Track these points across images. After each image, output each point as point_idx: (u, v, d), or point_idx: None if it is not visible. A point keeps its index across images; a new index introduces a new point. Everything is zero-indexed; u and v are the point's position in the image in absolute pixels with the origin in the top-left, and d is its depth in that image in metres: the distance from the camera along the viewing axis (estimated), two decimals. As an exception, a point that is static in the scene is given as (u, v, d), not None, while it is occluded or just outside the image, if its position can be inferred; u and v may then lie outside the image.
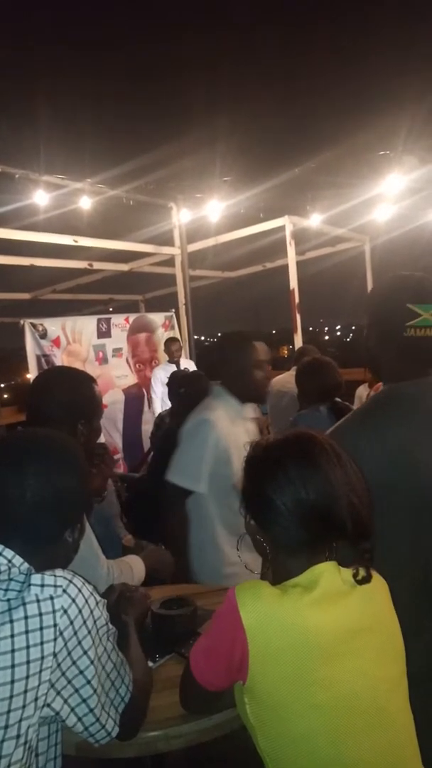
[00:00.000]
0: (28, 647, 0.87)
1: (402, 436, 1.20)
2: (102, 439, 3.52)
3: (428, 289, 1.25)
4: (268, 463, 1.04)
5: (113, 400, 5.61)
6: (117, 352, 5.82)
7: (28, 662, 0.87)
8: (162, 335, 6.29)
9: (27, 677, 0.87)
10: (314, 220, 6.38)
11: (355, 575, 1.01)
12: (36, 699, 0.88)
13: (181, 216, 6.11)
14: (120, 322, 5.89)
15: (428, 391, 1.23)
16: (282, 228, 5.87)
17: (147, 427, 5.67)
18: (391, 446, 1.20)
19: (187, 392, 3.10)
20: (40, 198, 4.91)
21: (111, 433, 5.55)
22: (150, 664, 1.31)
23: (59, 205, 5.12)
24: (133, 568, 1.65)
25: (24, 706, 0.87)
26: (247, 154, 5.16)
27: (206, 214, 6.03)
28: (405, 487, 1.18)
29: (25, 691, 0.87)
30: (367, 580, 1.00)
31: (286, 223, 5.81)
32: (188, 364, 5.57)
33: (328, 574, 0.98)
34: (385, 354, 1.28)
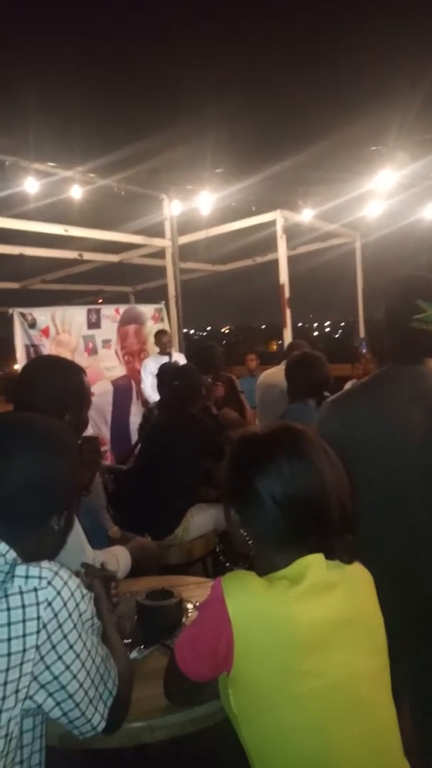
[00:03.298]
0: (9, 639, 0.87)
1: (393, 410, 1.40)
2: (90, 431, 3.48)
3: None
4: (258, 457, 1.03)
5: (102, 391, 5.58)
6: (106, 343, 5.78)
7: (9, 654, 0.86)
8: (151, 327, 6.26)
9: (7, 669, 0.86)
10: (306, 215, 6.38)
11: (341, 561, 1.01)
12: (17, 691, 0.88)
13: (172, 208, 6.08)
14: (110, 313, 5.86)
15: (419, 376, 1.44)
16: (273, 222, 5.86)
17: (135, 419, 5.65)
18: (383, 415, 1.40)
19: (179, 385, 3.09)
20: (30, 186, 4.85)
21: (99, 424, 5.52)
22: (135, 655, 1.31)
23: (49, 193, 5.06)
24: (119, 559, 1.65)
25: (4, 698, 0.86)
26: (239, 145, 5.10)
27: (198, 206, 6.00)
28: (390, 453, 1.37)
29: (5, 683, 0.86)
30: (349, 562, 1.02)
31: (277, 217, 5.80)
32: (179, 357, 5.56)
33: (315, 567, 0.98)
34: (391, 340, 1.47)
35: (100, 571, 1.34)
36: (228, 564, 1.09)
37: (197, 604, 1.55)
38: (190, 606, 1.54)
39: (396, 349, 1.46)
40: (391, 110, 4.55)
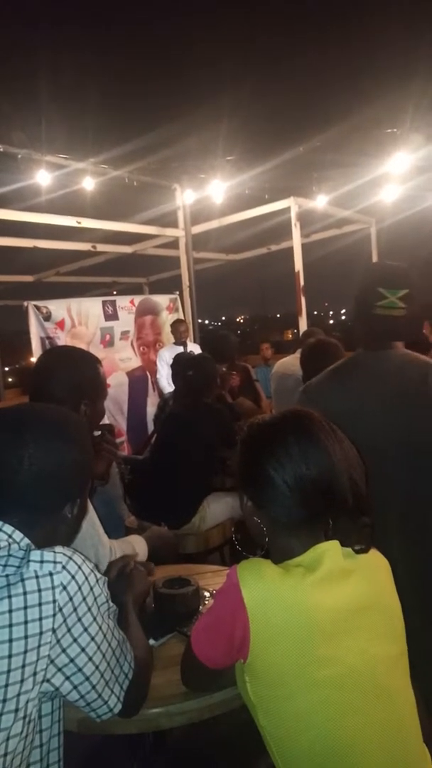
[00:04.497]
0: (26, 622, 0.88)
1: (358, 391, 1.53)
2: (106, 422, 3.49)
3: (397, 276, 1.53)
4: (266, 441, 1.03)
5: (118, 383, 5.60)
6: (124, 334, 5.78)
7: (26, 637, 0.87)
8: (166, 317, 6.26)
9: (25, 652, 0.87)
10: (320, 202, 6.30)
11: (355, 549, 1.00)
12: (35, 674, 0.89)
13: (185, 197, 6.05)
14: (126, 304, 5.85)
15: (383, 360, 1.54)
16: (287, 209, 5.80)
17: (151, 410, 5.67)
18: (350, 397, 1.52)
19: (194, 374, 3.09)
20: (43, 178, 4.85)
21: (116, 416, 5.55)
22: (152, 642, 1.32)
23: (62, 185, 5.07)
24: (136, 548, 1.65)
25: (22, 681, 0.87)
26: (251, 131, 5.05)
27: (210, 194, 5.95)
28: (356, 431, 1.38)
29: (23, 666, 0.87)
30: (365, 551, 1.01)
31: (291, 204, 5.73)
32: (194, 347, 5.56)
33: (331, 554, 0.97)
34: (359, 327, 1.58)
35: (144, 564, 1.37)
36: (244, 553, 1.09)
37: (214, 592, 1.55)
38: (207, 594, 1.55)
39: (364, 334, 1.56)
40: (407, 91, 4.46)
